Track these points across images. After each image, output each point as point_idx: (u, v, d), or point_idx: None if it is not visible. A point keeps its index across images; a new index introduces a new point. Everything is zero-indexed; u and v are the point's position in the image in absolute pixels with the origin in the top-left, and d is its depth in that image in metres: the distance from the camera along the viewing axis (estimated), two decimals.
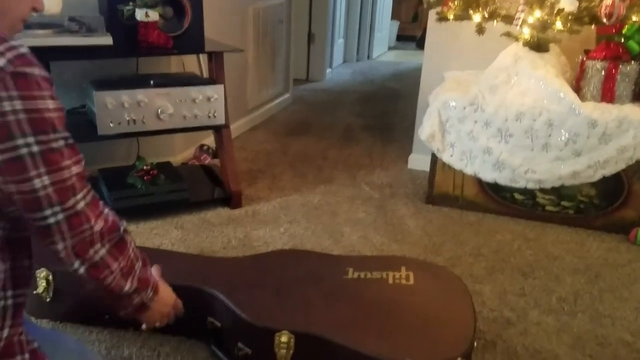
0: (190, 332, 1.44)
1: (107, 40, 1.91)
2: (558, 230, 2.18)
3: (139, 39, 1.99)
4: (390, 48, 7.61)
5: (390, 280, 1.45)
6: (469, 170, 2.26)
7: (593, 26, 2.20)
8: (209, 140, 2.83)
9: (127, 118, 1.93)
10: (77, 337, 1.43)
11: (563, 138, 2.09)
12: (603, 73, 2.14)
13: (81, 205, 0.79)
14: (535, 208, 2.24)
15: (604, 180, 2.10)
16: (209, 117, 2.09)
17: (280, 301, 1.35)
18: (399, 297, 1.38)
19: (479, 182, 2.28)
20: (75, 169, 0.78)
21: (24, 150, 0.70)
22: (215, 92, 2.06)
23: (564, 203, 2.20)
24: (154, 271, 1.11)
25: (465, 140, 2.24)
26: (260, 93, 3.63)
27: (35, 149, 0.71)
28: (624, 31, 2.12)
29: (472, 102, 2.19)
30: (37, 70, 0.71)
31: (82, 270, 0.83)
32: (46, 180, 0.74)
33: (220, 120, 2.13)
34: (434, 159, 2.36)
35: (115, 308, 0.95)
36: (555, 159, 2.13)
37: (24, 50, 0.70)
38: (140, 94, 1.93)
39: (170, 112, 2.00)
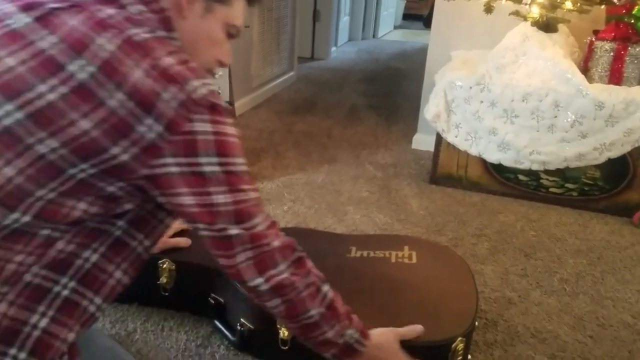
0: (194, 307, 1.45)
1: None
2: (561, 212, 2.18)
3: None
4: (396, 27, 7.55)
5: (393, 259, 1.45)
6: (473, 151, 2.25)
7: (603, 6, 2.18)
8: None
9: None
10: None
11: (569, 119, 2.08)
12: (611, 54, 2.12)
13: (261, 227, 0.83)
14: (539, 189, 2.24)
15: (609, 162, 2.09)
16: None
17: None
18: (401, 276, 1.38)
19: (484, 163, 2.28)
20: (253, 194, 0.82)
21: (207, 168, 0.76)
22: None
23: (568, 185, 2.20)
24: (377, 331, 1.06)
25: (470, 120, 2.23)
26: (264, 71, 3.61)
27: (217, 168, 0.76)
28: (634, 11, 2.10)
29: (478, 82, 2.17)
30: (224, 104, 0.79)
31: (264, 288, 0.84)
32: (228, 198, 0.78)
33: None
34: (439, 139, 2.34)
35: (317, 346, 0.94)
36: (560, 141, 2.12)
37: (215, 87, 0.78)
38: None
39: None
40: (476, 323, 1.30)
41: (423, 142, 2.79)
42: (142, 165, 0.73)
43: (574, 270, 1.76)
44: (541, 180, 2.22)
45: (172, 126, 0.72)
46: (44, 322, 0.74)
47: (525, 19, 2.24)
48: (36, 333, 0.74)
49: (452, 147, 2.31)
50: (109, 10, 0.74)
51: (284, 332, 1.25)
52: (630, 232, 2.04)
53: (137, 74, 0.70)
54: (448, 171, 2.36)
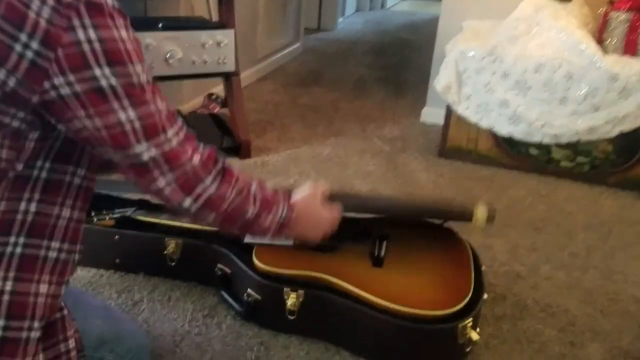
0: (201, 278, 1.44)
1: None
2: (572, 186, 2.15)
3: None
4: None
5: None
6: (484, 124, 2.22)
7: None
8: (218, 89, 2.78)
9: None
10: (87, 281, 1.44)
11: (582, 92, 2.03)
12: (627, 25, 2.07)
13: (174, 142, 0.77)
14: (550, 163, 2.21)
15: (622, 136, 2.05)
16: (219, 63, 2.04)
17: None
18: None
19: (494, 136, 2.24)
20: (161, 105, 0.75)
21: (103, 82, 0.67)
22: (226, 37, 2.01)
23: (580, 159, 2.16)
24: (299, 194, 1.07)
25: (481, 92, 2.18)
26: (270, 42, 3.55)
27: (113, 81, 0.68)
28: None
29: (490, 53, 2.12)
30: (111, 2, 0.68)
31: (195, 207, 0.82)
32: (132, 114, 0.70)
33: (230, 66, 2.08)
34: (449, 112, 2.30)
35: (255, 235, 0.97)
36: (572, 114, 2.07)
37: None
38: (149, 37, 1.88)
39: (180, 57, 1.95)
40: (485, 296, 1.28)
41: (432, 115, 2.75)
42: (30, 92, 0.65)
43: (584, 245, 1.74)
44: (552, 154, 2.19)
45: (49, 40, 0.63)
46: (9, 285, 0.71)
47: None
48: (5, 298, 0.71)
49: (462, 120, 2.27)
50: None
51: (291, 302, 1.24)
52: None
53: None
54: (457, 144, 2.32)
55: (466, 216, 1.24)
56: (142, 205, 1.55)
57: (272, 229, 0.97)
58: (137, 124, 0.71)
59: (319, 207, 1.08)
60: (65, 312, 0.82)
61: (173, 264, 1.42)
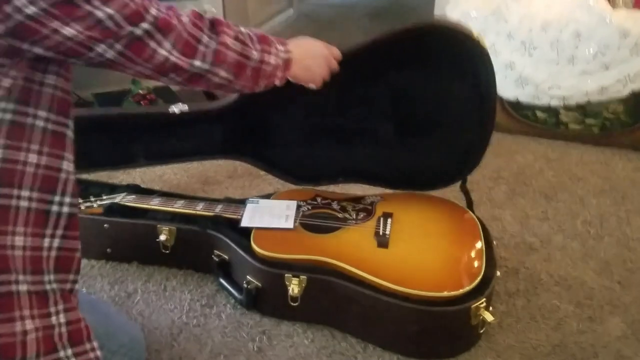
0: (197, 265, 1.38)
1: None
2: (582, 149, 2.06)
3: None
4: None
5: None
6: None
7: None
8: None
9: None
10: None
11: (591, 50, 1.93)
12: None
13: (162, 14, 0.78)
14: (558, 126, 2.11)
15: (633, 95, 1.96)
16: None
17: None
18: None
19: (500, 100, 2.14)
20: None
21: None
22: (213, 4, 1.90)
23: (589, 120, 2.07)
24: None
25: None
26: (261, 8, 3.41)
27: None
28: None
29: (494, 12, 2.01)
30: None
31: (207, 64, 0.84)
32: (108, 10, 0.71)
33: None
34: None
35: (265, 84, 0.99)
36: (581, 73, 1.97)
37: None
38: None
39: None
40: (497, 274, 1.21)
41: None
42: None
43: (598, 212, 1.67)
44: (560, 117, 2.09)
45: None
46: None
47: None
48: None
49: None
50: None
51: (293, 289, 1.18)
52: None
53: None
54: None
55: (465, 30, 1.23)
56: (132, 190, 1.48)
57: (279, 70, 1.00)
58: (117, 17, 0.72)
59: (313, 42, 1.14)
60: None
61: (167, 251, 1.36)
